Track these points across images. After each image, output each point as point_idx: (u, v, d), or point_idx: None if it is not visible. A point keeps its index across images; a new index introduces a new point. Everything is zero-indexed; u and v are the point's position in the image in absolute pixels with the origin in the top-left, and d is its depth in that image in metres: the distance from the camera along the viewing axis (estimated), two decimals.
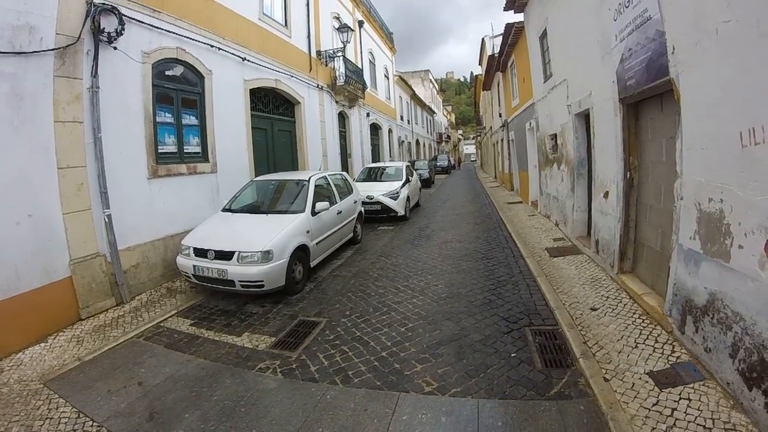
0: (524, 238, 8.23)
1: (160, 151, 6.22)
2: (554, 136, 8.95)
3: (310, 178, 6.78)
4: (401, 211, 10.89)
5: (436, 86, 50.23)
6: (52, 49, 4.56)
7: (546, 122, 9.63)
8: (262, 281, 5.01)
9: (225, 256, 5.11)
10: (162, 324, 4.79)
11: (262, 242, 5.15)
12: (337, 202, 7.18)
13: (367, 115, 16.92)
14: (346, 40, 12.16)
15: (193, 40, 6.79)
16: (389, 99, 22.45)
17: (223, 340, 4.34)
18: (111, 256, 5.22)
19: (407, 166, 12.84)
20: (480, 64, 30.28)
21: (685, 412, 2.70)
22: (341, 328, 4.48)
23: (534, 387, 3.16)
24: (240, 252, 5.06)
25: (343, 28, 12.12)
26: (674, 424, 2.61)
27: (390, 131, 22.29)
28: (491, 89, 23.08)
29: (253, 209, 6.43)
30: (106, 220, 5.17)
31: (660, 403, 2.82)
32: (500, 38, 20.27)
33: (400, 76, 25.39)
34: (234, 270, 5.00)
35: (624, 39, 4.58)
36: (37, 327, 4.42)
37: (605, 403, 2.84)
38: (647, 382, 3.07)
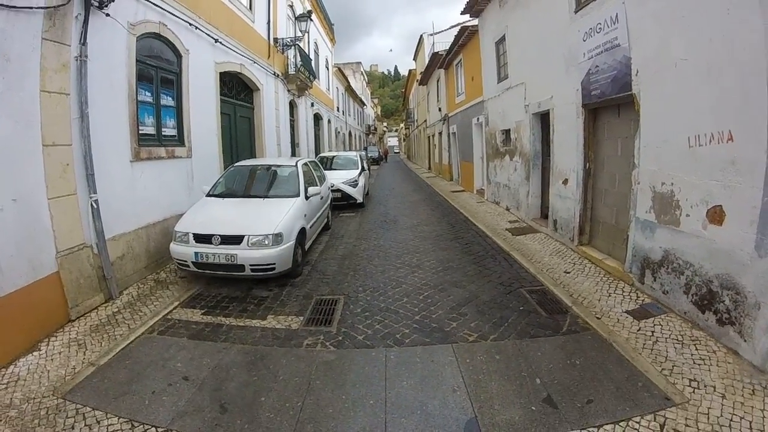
0: (482, 221, 9.43)
1: (140, 132, 6.08)
2: (506, 131, 10.28)
3: (297, 164, 7.17)
4: (360, 198, 11.66)
5: (366, 79, 51.47)
6: (43, 8, 4.19)
7: (497, 118, 10.95)
8: (274, 264, 5.20)
9: (233, 240, 5.18)
10: (169, 317, 4.69)
11: (271, 225, 5.34)
12: (319, 188, 7.61)
13: (312, 104, 17.26)
14: (305, 29, 12.51)
15: (174, 16, 6.73)
16: (329, 90, 22.88)
17: (250, 325, 4.43)
18: (99, 246, 4.97)
19: (360, 156, 13.59)
20: (414, 59, 31.88)
21: (661, 333, 3.89)
22: (362, 302, 4.95)
23: (549, 328, 4.12)
24: (250, 236, 5.18)
25: (302, 17, 12.43)
26: (657, 340, 3.78)
27: (329, 122, 22.77)
28: (428, 84, 24.48)
29: (243, 194, 6.58)
30: (94, 206, 4.91)
31: (642, 329, 3.99)
32: (441, 35, 21.84)
33: (338, 68, 25.98)
34: (244, 254, 5.10)
35: (592, 57, 5.79)
36: (25, 333, 3.99)
37: (604, 332, 3.93)
38: (627, 317, 4.26)
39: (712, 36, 3.68)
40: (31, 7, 4.06)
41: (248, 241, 5.18)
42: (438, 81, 20.75)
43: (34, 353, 3.91)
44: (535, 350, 3.69)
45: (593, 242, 6.40)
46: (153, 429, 2.89)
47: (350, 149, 31.19)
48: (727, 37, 3.53)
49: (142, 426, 2.92)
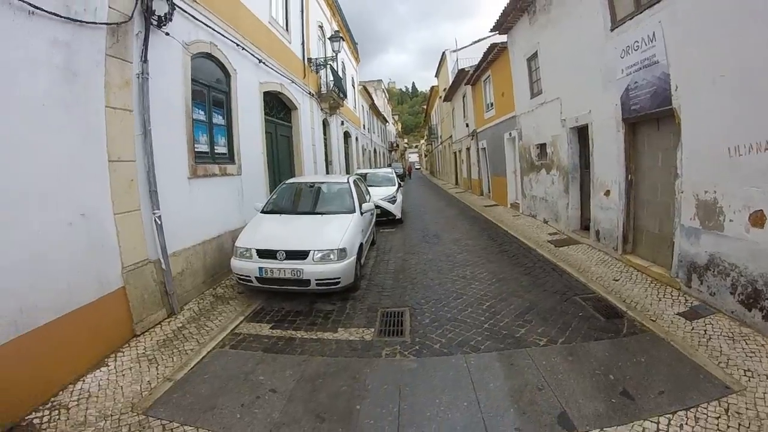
0: (522, 234, 9.61)
1: (196, 149, 6.24)
2: (542, 146, 10.53)
3: (349, 180, 7.46)
4: (398, 214, 11.91)
5: (387, 95, 52.60)
6: (106, 24, 4.36)
7: (531, 133, 11.21)
8: (339, 278, 5.36)
9: (298, 255, 5.35)
10: (237, 331, 4.79)
11: (335, 240, 5.52)
12: (371, 203, 7.86)
13: (342, 123, 17.80)
14: (338, 50, 13.07)
15: (223, 36, 7.07)
16: (355, 108, 23.54)
17: (323, 338, 4.56)
18: (163, 262, 5.09)
19: (395, 172, 13.96)
20: (437, 75, 32.44)
21: (712, 331, 4.19)
22: (429, 313, 5.12)
23: (610, 331, 4.39)
24: (315, 251, 5.34)
25: (335, 37, 13.02)
26: (710, 337, 4.08)
27: (356, 139, 23.37)
28: (453, 100, 24.89)
29: (299, 211, 6.81)
30: (158, 222, 5.03)
31: (695, 328, 4.30)
32: (464, 51, 22.31)
33: (363, 86, 26.79)
34: (310, 269, 5.27)
35: (631, 74, 6.05)
36: (91, 349, 4.04)
37: (662, 333, 4.24)
38: (679, 318, 4.55)
39: (747, 52, 3.97)
40: (95, 23, 4.23)
41: (314, 256, 5.35)
42: (464, 97, 21.11)
43: (102, 369, 3.93)
44: (602, 351, 3.97)
45: (637, 251, 6.60)
46: None
47: (375, 166, 31.72)
48: (762, 54, 3.81)
49: None
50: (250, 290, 5.88)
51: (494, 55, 13.80)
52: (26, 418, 3.23)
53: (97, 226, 4.23)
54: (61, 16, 3.79)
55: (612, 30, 6.50)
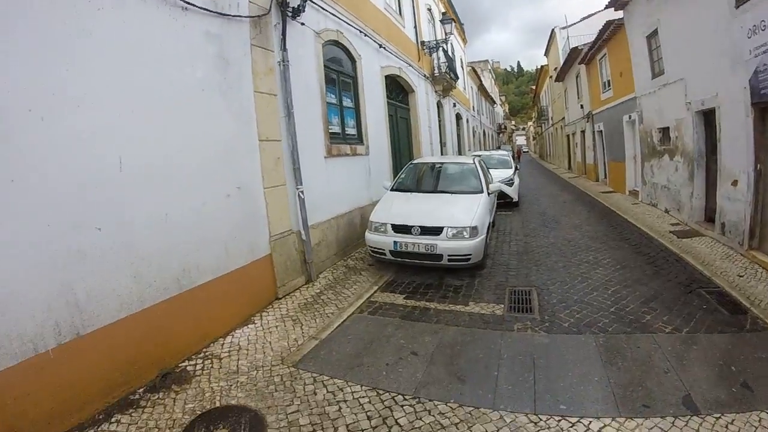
0: (642, 223, 8.99)
1: (330, 131, 6.66)
2: (664, 130, 9.67)
3: (474, 161, 7.53)
4: (515, 197, 11.61)
5: (494, 76, 50.97)
6: (249, 17, 4.77)
7: (653, 116, 10.29)
8: (470, 255, 5.48)
9: (432, 231, 5.53)
10: (373, 299, 5.06)
11: (467, 219, 5.64)
12: (498, 184, 7.90)
13: (454, 105, 17.81)
14: (450, 32, 13.03)
15: (348, 24, 7.46)
16: (465, 90, 23.36)
17: (455, 310, 4.74)
18: (304, 233, 5.51)
19: (511, 155, 13.63)
20: (546, 54, 30.61)
21: None
22: (555, 294, 5.16)
23: (733, 325, 4.25)
24: (449, 227, 5.50)
25: (445, 20, 12.95)
26: None
27: (467, 121, 23.25)
28: (565, 81, 23.41)
29: (428, 189, 7.02)
30: (301, 196, 5.48)
31: None
32: (575, 28, 20.82)
33: (472, 67, 26.31)
34: (444, 245, 5.44)
35: (759, 55, 5.43)
36: (240, 308, 4.43)
37: None
38: None
39: None
40: (240, 16, 4.66)
41: (447, 232, 5.52)
42: (578, 77, 19.71)
43: (249, 326, 4.30)
44: (726, 343, 3.90)
45: (763, 246, 5.95)
46: (400, 396, 3.14)
47: (484, 148, 31.13)
48: None
49: (388, 394, 3.18)
50: (381, 262, 6.22)
51: (610, 32, 12.75)
52: (180, 365, 3.62)
53: (250, 199, 4.72)
54: (210, 11, 4.23)
55: (737, 7, 5.81)
